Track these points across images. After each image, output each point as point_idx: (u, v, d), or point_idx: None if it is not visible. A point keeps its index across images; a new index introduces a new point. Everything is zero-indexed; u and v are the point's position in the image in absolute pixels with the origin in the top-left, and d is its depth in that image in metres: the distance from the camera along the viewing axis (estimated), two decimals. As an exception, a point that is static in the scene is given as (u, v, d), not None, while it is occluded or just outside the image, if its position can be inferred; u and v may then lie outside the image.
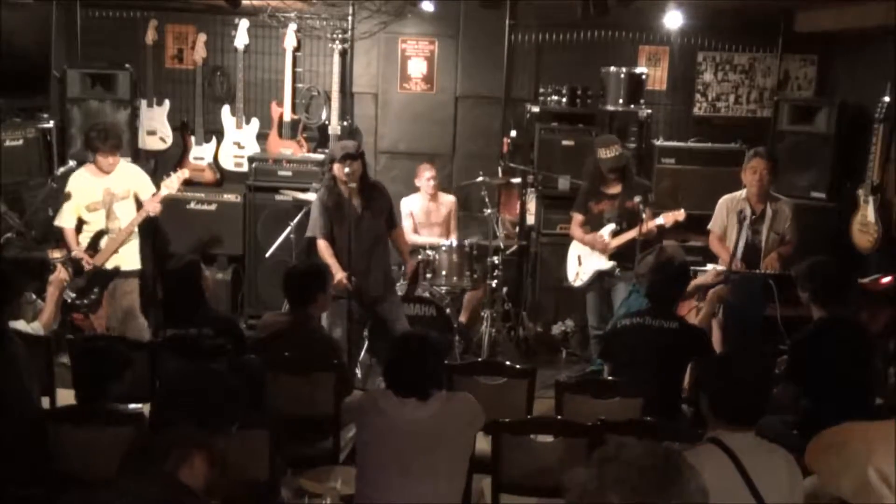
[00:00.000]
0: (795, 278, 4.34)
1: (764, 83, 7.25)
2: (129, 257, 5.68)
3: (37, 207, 5.72)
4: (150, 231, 6.74)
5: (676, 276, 4.42)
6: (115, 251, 5.56)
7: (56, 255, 5.38)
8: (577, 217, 5.99)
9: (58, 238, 5.69)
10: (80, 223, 5.63)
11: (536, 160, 6.74)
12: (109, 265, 5.55)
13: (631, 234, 5.66)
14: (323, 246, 5.22)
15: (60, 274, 4.75)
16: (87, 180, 5.61)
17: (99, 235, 5.52)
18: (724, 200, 5.71)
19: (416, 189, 6.82)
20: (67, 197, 5.55)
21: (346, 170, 5.11)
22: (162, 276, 5.36)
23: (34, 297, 4.71)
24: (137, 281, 5.81)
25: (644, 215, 5.52)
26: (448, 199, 6.86)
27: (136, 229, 5.70)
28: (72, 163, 5.71)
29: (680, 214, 5.63)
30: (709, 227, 5.77)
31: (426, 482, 3.16)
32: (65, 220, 5.60)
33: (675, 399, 4.28)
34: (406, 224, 6.69)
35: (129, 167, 5.84)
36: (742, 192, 5.61)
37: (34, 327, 4.35)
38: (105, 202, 5.59)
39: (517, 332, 6.77)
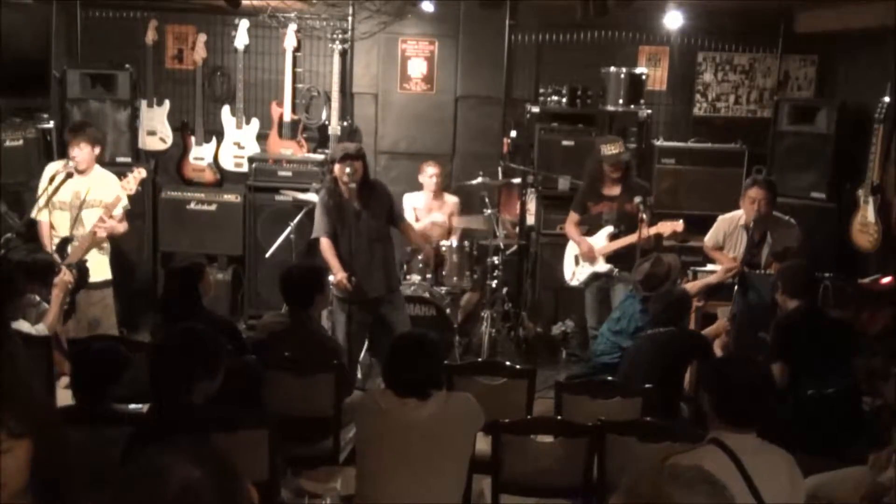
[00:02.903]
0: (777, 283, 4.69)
1: (764, 83, 7.25)
2: (96, 268, 5.31)
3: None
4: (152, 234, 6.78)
5: (678, 305, 4.73)
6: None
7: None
8: (574, 216, 5.99)
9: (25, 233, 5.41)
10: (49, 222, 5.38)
11: (536, 160, 6.74)
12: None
13: (628, 239, 5.64)
14: (326, 245, 5.22)
15: (65, 276, 4.74)
16: (59, 175, 5.32)
17: (65, 242, 5.24)
18: (722, 221, 5.62)
19: (417, 188, 6.82)
20: (46, 199, 5.30)
21: (347, 170, 5.12)
22: (166, 276, 5.29)
23: (38, 299, 4.69)
24: (107, 291, 5.54)
25: (644, 216, 5.51)
26: (451, 200, 6.85)
27: (108, 241, 5.42)
28: (72, 163, 5.68)
29: (678, 225, 5.59)
30: (705, 239, 5.75)
31: (426, 482, 3.16)
32: (42, 213, 5.35)
33: (674, 398, 4.42)
34: (409, 216, 6.70)
35: (104, 174, 5.48)
36: (742, 218, 5.45)
37: (38, 329, 4.35)
38: (72, 205, 5.33)
39: (517, 332, 6.76)
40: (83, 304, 5.36)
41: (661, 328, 4.58)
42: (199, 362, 2.93)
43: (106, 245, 5.47)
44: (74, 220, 5.32)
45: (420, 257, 6.21)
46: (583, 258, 5.93)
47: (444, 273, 6.30)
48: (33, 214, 5.37)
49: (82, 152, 5.33)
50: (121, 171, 5.82)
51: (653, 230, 5.58)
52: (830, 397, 4.11)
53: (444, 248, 6.32)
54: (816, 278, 4.82)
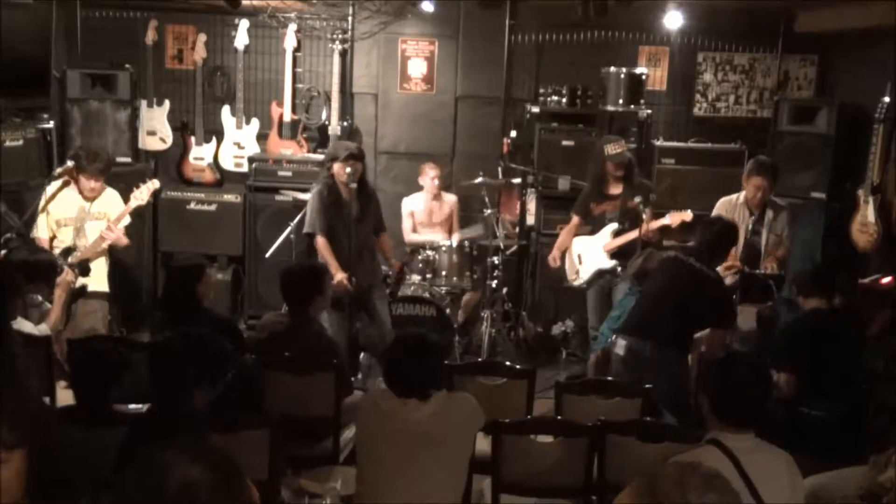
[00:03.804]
0: (792, 286, 4.79)
1: (764, 83, 7.24)
2: (95, 277, 5.33)
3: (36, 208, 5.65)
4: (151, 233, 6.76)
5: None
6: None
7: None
8: (575, 219, 6.00)
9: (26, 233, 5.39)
10: (51, 237, 5.41)
11: (536, 160, 6.74)
12: (77, 284, 5.14)
13: (631, 235, 5.68)
14: (322, 244, 5.23)
15: (68, 276, 4.74)
16: (63, 193, 5.40)
17: (67, 253, 5.25)
18: (721, 203, 5.75)
19: (417, 189, 6.82)
20: (42, 207, 5.35)
21: (348, 170, 5.13)
22: (166, 275, 5.29)
23: (40, 299, 4.69)
24: (103, 303, 5.52)
25: (644, 216, 5.55)
26: (450, 199, 6.88)
27: (106, 252, 5.45)
28: (70, 163, 5.67)
29: (687, 215, 5.67)
30: None
31: (426, 482, 3.16)
32: (40, 230, 5.40)
33: (685, 340, 4.54)
34: (406, 224, 6.77)
35: (108, 191, 5.52)
36: (740, 196, 5.66)
37: (41, 329, 4.35)
38: (78, 219, 5.38)
39: (517, 332, 6.76)
40: (79, 313, 5.36)
41: (702, 264, 4.52)
42: (202, 369, 2.92)
43: (107, 260, 5.51)
44: (78, 231, 5.37)
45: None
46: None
47: (444, 273, 6.30)
48: (35, 233, 5.38)
49: (97, 184, 5.40)
50: (121, 172, 5.84)
51: (661, 222, 5.69)
52: (826, 419, 4.05)
53: (443, 248, 6.32)
54: (830, 275, 4.77)
